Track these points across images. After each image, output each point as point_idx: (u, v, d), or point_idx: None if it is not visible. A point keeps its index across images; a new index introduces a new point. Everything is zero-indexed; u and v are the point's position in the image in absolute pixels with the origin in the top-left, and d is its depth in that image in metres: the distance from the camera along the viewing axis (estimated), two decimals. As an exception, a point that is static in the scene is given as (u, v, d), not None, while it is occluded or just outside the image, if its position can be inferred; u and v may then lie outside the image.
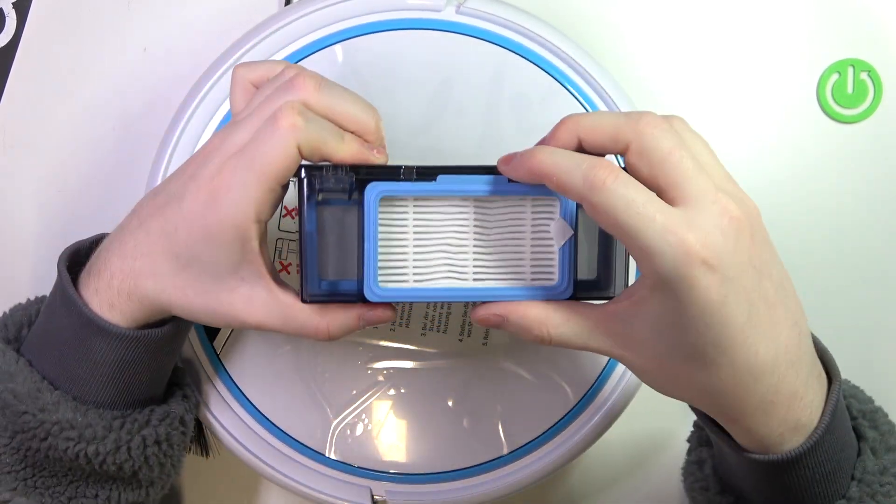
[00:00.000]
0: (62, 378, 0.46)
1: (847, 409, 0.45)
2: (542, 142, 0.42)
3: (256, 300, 0.45)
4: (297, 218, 0.44)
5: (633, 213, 0.37)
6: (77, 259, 0.48)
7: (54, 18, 0.61)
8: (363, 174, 0.43)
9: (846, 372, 0.48)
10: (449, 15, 0.55)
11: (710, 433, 0.46)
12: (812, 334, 0.43)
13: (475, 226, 0.44)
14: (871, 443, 0.44)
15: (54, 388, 0.46)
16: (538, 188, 0.42)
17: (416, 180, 0.43)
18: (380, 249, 0.43)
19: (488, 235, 0.44)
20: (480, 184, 0.43)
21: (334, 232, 0.44)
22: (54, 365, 0.46)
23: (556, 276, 0.44)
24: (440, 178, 0.43)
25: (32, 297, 0.52)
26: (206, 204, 0.42)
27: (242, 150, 0.42)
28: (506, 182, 0.43)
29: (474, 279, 0.44)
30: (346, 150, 0.43)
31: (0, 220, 0.61)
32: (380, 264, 0.43)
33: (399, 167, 0.43)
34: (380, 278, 0.43)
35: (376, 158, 0.44)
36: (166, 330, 0.47)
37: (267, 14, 0.56)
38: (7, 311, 0.51)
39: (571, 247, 0.43)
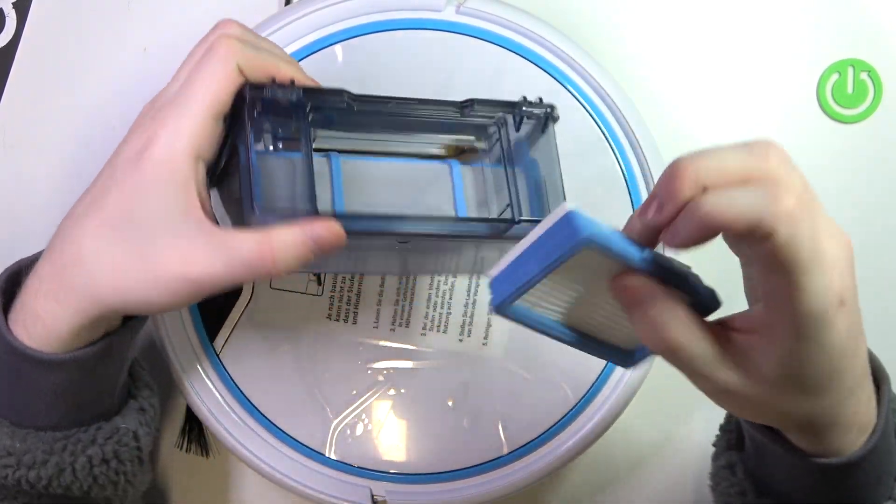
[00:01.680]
0: (4, 408, 0.44)
1: None
2: (655, 200, 0.36)
3: (197, 250, 0.41)
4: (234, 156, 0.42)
5: (813, 248, 0.34)
6: (17, 280, 0.45)
7: (54, 18, 0.61)
8: (308, 98, 0.42)
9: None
10: (449, 15, 0.55)
11: (764, 441, 0.44)
12: None
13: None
14: None
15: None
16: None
17: (355, 109, 0.43)
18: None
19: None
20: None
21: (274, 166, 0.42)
22: None
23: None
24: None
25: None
26: (138, 152, 0.40)
27: (176, 93, 0.41)
28: None
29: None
30: (289, 69, 0.42)
31: (0, 219, 0.61)
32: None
33: (341, 90, 0.43)
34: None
35: (315, 83, 0.43)
36: (100, 346, 0.44)
37: (267, 14, 0.56)
38: None
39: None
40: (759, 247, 0.34)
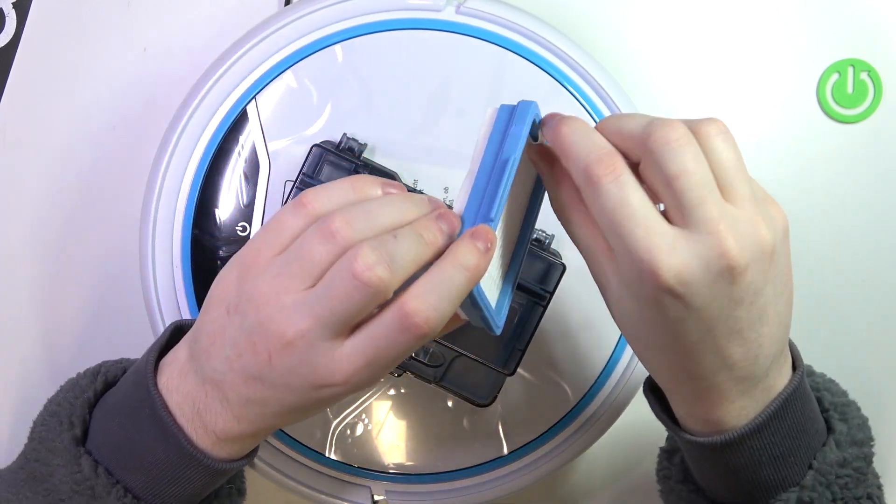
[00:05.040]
0: (146, 492, 0.44)
1: (819, 401, 0.46)
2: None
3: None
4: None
5: (622, 215, 0.37)
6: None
7: (54, 18, 0.61)
8: None
9: (844, 372, 0.48)
10: (449, 15, 0.55)
11: (654, 413, 0.46)
12: None
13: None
14: (838, 435, 0.44)
15: (138, 500, 0.44)
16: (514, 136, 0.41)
17: None
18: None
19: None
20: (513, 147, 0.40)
21: None
22: (139, 482, 0.44)
23: None
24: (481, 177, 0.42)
25: (37, 296, 0.49)
26: (313, 386, 0.40)
27: (355, 343, 0.39)
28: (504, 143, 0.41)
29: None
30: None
31: (0, 219, 0.61)
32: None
33: None
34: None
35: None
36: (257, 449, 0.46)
37: (267, 14, 0.56)
38: (65, 395, 0.46)
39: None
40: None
